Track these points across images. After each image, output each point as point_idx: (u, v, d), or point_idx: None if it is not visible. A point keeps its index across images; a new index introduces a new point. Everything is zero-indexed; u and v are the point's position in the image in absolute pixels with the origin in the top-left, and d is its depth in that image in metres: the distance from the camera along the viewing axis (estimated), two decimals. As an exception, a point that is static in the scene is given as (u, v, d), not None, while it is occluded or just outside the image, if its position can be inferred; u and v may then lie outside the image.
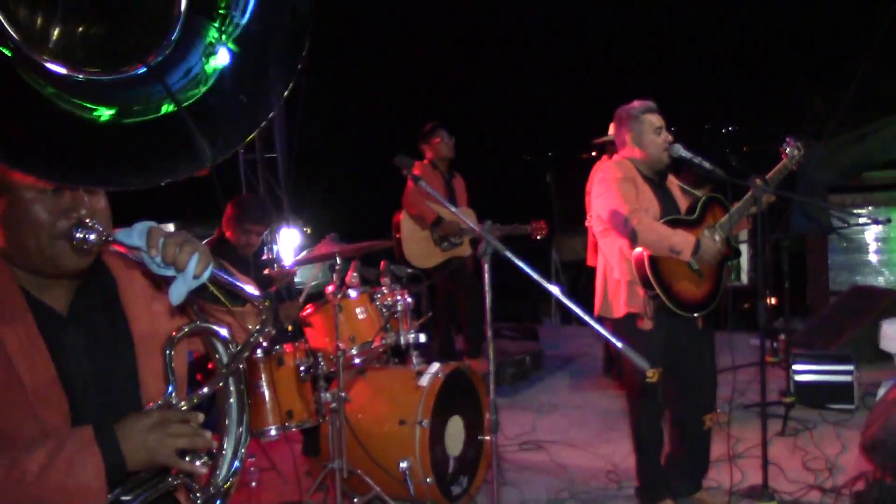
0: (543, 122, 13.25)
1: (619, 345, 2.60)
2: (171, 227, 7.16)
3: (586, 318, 2.72)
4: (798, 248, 8.43)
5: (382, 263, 4.73)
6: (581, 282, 10.10)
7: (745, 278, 4.39)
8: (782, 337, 6.49)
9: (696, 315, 4.08)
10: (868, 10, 9.66)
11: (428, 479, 4.16)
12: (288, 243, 8.54)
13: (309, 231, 9.38)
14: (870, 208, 8.57)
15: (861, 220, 8.07)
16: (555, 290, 2.73)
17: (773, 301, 6.24)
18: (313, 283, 6.91)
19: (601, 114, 5.85)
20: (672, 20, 11.84)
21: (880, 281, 8.50)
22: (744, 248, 5.75)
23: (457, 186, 6.60)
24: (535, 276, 2.74)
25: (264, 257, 6.89)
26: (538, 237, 6.69)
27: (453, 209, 2.96)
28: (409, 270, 4.93)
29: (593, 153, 6.23)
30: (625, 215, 3.89)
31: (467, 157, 6.84)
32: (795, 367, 5.71)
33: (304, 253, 5.22)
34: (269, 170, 9.13)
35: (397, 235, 6.31)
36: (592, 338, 8.41)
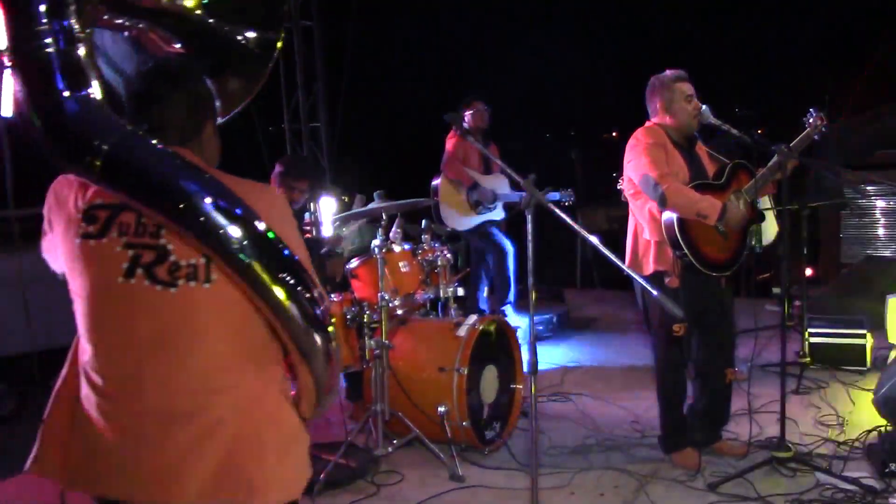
0: (567, 103, 13.16)
1: (655, 293, 2.60)
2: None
3: (624, 267, 2.71)
4: (812, 222, 8.32)
5: (424, 221, 4.73)
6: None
7: (768, 238, 4.35)
8: (798, 303, 6.42)
9: (720, 274, 4.05)
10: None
11: (464, 423, 4.18)
12: (326, 210, 8.52)
13: (346, 199, 9.36)
14: (882, 185, 8.44)
15: (872, 189, 7.95)
16: (594, 240, 2.70)
17: (812, 272, 6.14)
18: (350, 246, 6.90)
19: (620, 96, 5.80)
20: (690, 5, 11.69)
21: (888, 254, 8.39)
22: (768, 216, 5.66)
23: (491, 154, 6.55)
24: (576, 227, 2.73)
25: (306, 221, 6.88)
26: (566, 204, 6.65)
27: (500, 162, 2.94)
28: (449, 229, 4.93)
29: (613, 134, 6.19)
30: (655, 179, 3.85)
31: (496, 133, 6.77)
32: (811, 329, 5.66)
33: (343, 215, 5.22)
34: (313, 139, 9.12)
35: (435, 198, 6.29)
36: (614, 300, 8.39)
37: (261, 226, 1.72)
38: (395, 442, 4.33)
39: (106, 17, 1.98)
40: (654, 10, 12.21)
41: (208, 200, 1.67)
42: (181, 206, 1.68)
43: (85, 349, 1.88)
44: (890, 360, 5.27)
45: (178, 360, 1.81)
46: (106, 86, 1.84)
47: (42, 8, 1.67)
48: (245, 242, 1.68)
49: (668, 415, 4.19)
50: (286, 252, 1.75)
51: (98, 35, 2.03)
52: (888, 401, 4.41)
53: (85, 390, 1.87)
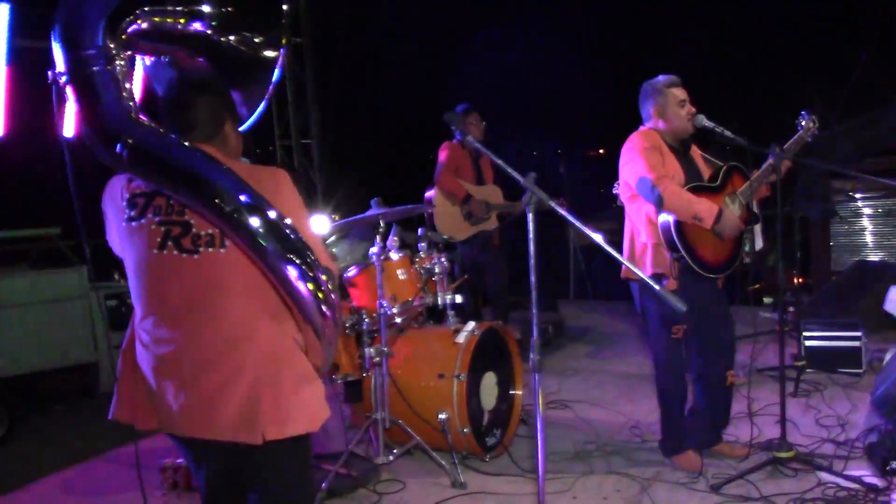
0: (555, 120, 13.24)
1: (658, 287, 2.60)
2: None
3: (626, 262, 2.71)
4: (803, 228, 8.38)
5: (420, 229, 4.73)
6: (594, 262, 10.16)
7: (759, 243, 4.35)
8: (792, 309, 6.45)
9: (717, 276, 4.07)
10: (865, 7, 9.56)
11: (465, 430, 4.17)
12: (317, 229, 8.50)
13: (337, 218, 9.36)
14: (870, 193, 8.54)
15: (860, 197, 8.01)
16: (598, 237, 2.70)
17: (801, 280, 6.19)
18: (342, 264, 6.89)
19: (605, 114, 5.82)
20: (673, 22, 11.78)
21: (877, 259, 8.44)
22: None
23: (483, 165, 6.55)
24: (578, 223, 2.72)
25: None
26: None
27: (500, 161, 2.92)
28: (445, 237, 4.93)
29: (600, 151, 6.22)
30: (651, 182, 3.86)
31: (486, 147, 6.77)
32: (806, 333, 5.68)
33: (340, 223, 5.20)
34: (304, 155, 9.13)
35: (429, 210, 6.29)
36: (609, 311, 8.40)
37: (258, 201, 2.04)
38: (395, 450, 4.31)
39: (143, 44, 2.46)
40: (641, 25, 12.31)
41: (219, 185, 2.05)
42: (196, 188, 2.07)
43: (136, 313, 2.29)
44: (885, 361, 5.30)
45: (204, 316, 2.18)
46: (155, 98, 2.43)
47: (87, 38, 2.15)
48: (249, 217, 2.02)
49: (668, 418, 4.19)
50: (286, 227, 2.06)
51: (144, 61, 2.63)
52: (886, 400, 4.43)
53: (138, 346, 2.29)
